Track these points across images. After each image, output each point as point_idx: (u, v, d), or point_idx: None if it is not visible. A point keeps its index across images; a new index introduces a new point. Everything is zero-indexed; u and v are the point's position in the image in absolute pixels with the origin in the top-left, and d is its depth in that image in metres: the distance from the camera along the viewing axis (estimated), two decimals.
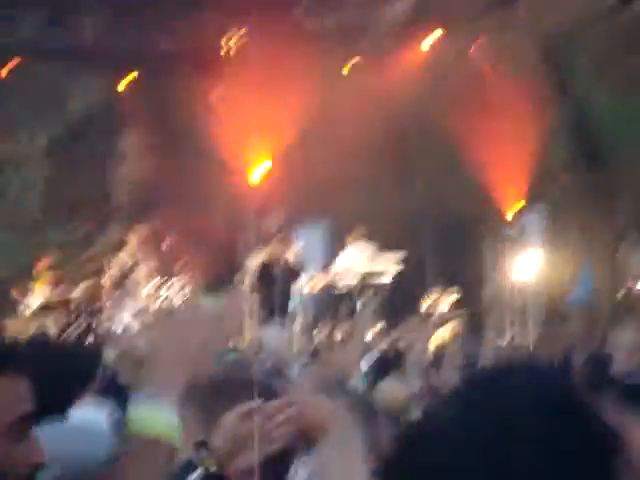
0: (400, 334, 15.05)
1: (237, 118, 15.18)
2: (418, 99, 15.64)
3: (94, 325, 15.06)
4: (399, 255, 15.16)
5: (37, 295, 14.70)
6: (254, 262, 14.59)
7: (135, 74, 17.67)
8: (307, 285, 15.41)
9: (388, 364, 8.43)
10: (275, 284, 13.87)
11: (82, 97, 17.46)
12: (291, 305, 14.61)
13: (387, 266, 15.35)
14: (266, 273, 14.04)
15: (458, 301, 15.76)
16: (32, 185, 18.14)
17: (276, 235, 14.94)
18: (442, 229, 16.80)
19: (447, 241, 16.52)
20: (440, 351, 10.84)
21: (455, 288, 15.09)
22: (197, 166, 16.89)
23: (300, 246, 15.14)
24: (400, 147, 16.74)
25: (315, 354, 10.10)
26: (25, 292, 14.77)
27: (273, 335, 13.24)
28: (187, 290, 15.28)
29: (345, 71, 17.21)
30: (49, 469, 2.30)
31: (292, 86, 14.80)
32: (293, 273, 14.32)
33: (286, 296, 14.09)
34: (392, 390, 5.29)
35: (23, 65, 16.38)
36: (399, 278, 15.33)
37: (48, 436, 2.29)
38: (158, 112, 17.27)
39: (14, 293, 14.84)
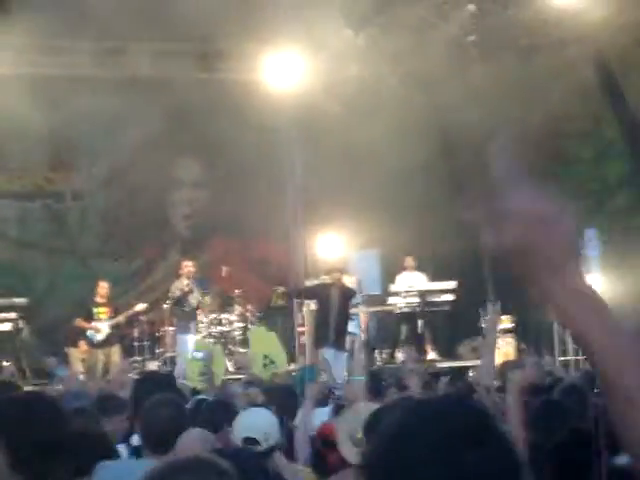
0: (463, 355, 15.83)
1: None
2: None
3: (158, 353, 15.93)
4: (453, 283, 15.83)
5: (100, 326, 15.50)
6: (312, 287, 15.29)
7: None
8: (365, 307, 16.13)
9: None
10: (332, 307, 14.48)
11: (140, 126, 18.09)
12: (350, 327, 15.26)
13: (446, 286, 16.01)
14: (324, 297, 14.66)
15: (514, 323, 16.40)
16: (91, 215, 18.93)
17: (332, 261, 15.68)
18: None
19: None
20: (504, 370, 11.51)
21: (511, 310, 15.69)
22: (255, 195, 17.66)
23: (356, 270, 15.87)
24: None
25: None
26: (89, 322, 15.54)
27: (331, 356, 14.02)
28: (245, 318, 16.10)
29: None
30: None
31: None
32: (350, 295, 14.88)
33: (344, 318, 14.69)
34: None
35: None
36: (456, 301, 15.96)
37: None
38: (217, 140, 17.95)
39: (78, 323, 15.59)
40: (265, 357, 14.46)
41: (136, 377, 8.40)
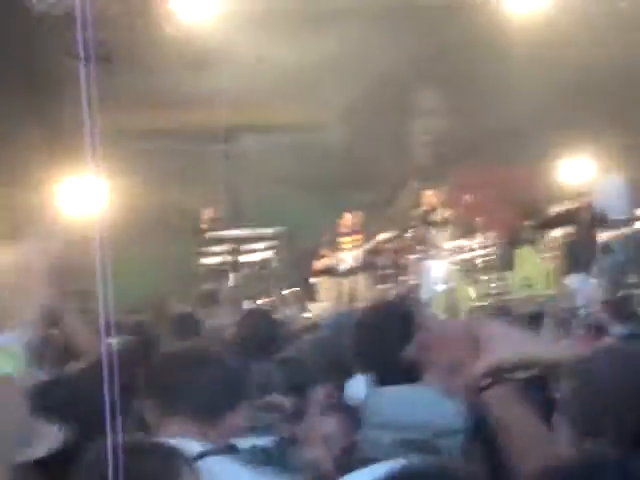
0: None
1: None
2: None
3: (401, 282, 16.22)
4: None
5: (345, 255, 15.92)
6: (558, 215, 15.16)
7: None
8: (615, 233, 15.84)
9: None
10: (580, 232, 14.32)
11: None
12: (598, 254, 15.06)
13: None
14: (571, 223, 14.52)
15: None
16: (332, 148, 19.27)
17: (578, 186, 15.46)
18: None
19: None
20: None
21: None
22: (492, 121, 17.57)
23: (603, 196, 15.58)
24: None
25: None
26: (334, 253, 15.98)
27: (581, 281, 13.87)
28: (490, 246, 16.11)
29: None
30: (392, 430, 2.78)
31: None
32: (598, 220, 14.67)
33: (592, 243, 14.51)
34: None
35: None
36: None
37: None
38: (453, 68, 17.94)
39: (324, 253, 16.05)
40: (524, 278, 14.37)
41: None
